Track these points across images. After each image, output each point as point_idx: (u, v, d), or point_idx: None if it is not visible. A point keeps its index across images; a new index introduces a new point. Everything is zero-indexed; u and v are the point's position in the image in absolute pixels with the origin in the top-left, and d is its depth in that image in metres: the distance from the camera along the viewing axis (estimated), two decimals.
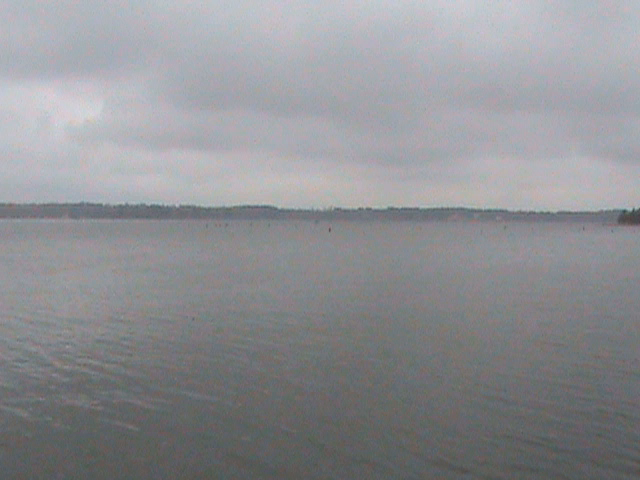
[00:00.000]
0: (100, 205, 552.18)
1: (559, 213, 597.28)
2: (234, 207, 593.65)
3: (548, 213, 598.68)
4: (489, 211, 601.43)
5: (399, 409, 11.00)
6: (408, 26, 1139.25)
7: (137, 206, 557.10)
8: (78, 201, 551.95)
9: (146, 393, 11.78)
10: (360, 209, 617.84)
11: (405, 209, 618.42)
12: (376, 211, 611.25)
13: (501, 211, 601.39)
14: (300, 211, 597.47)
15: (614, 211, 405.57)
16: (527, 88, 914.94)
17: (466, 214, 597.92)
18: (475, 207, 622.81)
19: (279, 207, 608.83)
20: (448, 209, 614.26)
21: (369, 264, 46.95)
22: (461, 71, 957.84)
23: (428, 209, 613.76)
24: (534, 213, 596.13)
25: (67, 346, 15.82)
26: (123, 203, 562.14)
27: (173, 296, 25.78)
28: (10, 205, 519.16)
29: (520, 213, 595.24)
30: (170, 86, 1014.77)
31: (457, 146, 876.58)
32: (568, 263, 48.24)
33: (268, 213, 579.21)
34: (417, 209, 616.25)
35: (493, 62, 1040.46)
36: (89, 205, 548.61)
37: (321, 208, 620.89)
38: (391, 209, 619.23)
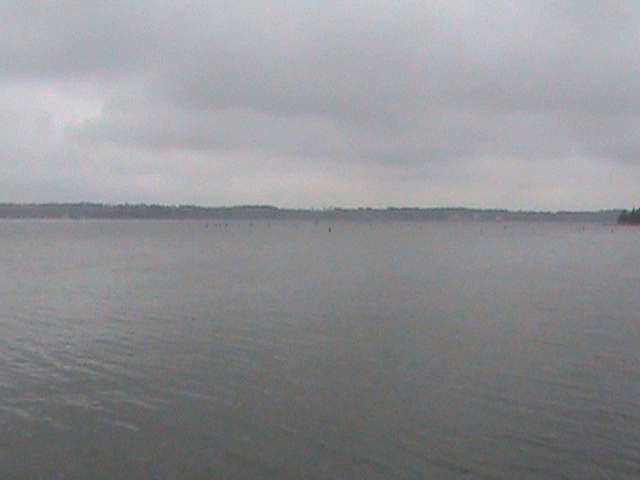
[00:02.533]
0: (100, 205, 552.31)
1: (559, 213, 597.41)
2: (234, 207, 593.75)
3: (548, 213, 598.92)
4: (489, 211, 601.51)
5: (399, 409, 11.01)
6: (408, 26, 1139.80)
7: (137, 206, 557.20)
8: (78, 201, 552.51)
9: (146, 393, 11.78)
10: (360, 209, 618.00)
11: (405, 209, 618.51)
12: (376, 211, 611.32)
13: (501, 211, 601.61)
14: (300, 211, 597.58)
15: (614, 211, 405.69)
16: (527, 88, 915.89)
17: (466, 214, 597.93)
18: (475, 207, 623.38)
19: (279, 207, 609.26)
20: (448, 209, 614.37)
21: (369, 264, 46.96)
22: (461, 71, 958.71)
23: (428, 209, 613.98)
24: (534, 213, 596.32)
25: (67, 346, 15.83)
26: (123, 203, 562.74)
27: (173, 296, 25.78)
28: (10, 205, 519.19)
29: (520, 213, 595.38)
30: (170, 86, 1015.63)
31: (457, 146, 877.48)
32: (568, 263, 48.24)
33: (268, 213, 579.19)
34: (417, 209, 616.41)
35: (493, 62, 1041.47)
36: (89, 205, 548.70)
37: (321, 208, 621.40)
38: (391, 209, 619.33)
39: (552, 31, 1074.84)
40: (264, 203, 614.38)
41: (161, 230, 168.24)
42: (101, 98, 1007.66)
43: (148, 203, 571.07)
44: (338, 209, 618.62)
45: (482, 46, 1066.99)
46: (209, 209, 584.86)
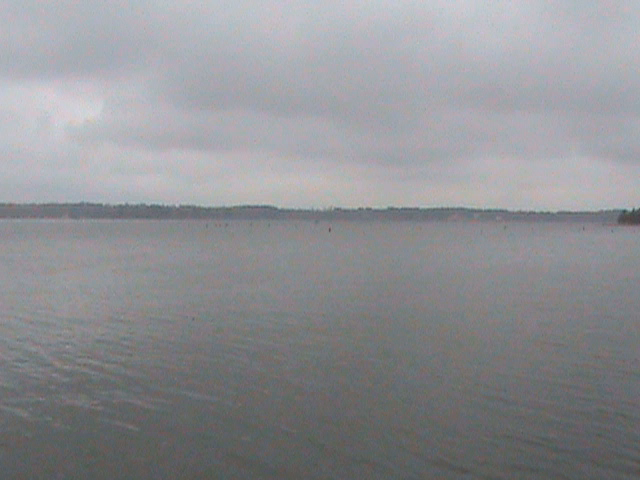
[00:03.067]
0: (100, 205, 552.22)
1: (559, 213, 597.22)
2: (234, 207, 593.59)
3: (548, 213, 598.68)
4: (489, 211, 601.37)
5: (399, 409, 11.00)
6: (408, 26, 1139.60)
7: (137, 206, 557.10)
8: (78, 201, 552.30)
9: (146, 393, 11.78)
10: (360, 209, 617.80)
11: (405, 209, 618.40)
12: (376, 211, 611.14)
13: (501, 211, 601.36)
14: (300, 211, 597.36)
15: (614, 211, 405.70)
16: (527, 88, 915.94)
17: (466, 214, 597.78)
18: (475, 207, 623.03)
19: (279, 207, 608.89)
20: (448, 209, 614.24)
21: (369, 264, 46.95)
22: (461, 71, 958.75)
23: (428, 209, 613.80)
24: (534, 213, 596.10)
25: (67, 346, 15.82)
26: (123, 203, 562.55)
27: (173, 296, 25.78)
28: (10, 205, 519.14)
29: (520, 213, 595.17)
30: (170, 86, 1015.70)
31: (457, 146, 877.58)
32: (568, 263, 48.24)
33: (268, 213, 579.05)
34: (417, 209, 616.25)
35: (493, 62, 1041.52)
36: (89, 205, 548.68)
37: (321, 208, 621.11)
38: (391, 209, 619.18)
39: (552, 31, 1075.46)
40: (264, 203, 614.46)
41: (161, 230, 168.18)
42: (101, 98, 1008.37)
43: (148, 203, 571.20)
44: (338, 209, 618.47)
45: (482, 46, 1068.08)
46: (209, 209, 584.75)
